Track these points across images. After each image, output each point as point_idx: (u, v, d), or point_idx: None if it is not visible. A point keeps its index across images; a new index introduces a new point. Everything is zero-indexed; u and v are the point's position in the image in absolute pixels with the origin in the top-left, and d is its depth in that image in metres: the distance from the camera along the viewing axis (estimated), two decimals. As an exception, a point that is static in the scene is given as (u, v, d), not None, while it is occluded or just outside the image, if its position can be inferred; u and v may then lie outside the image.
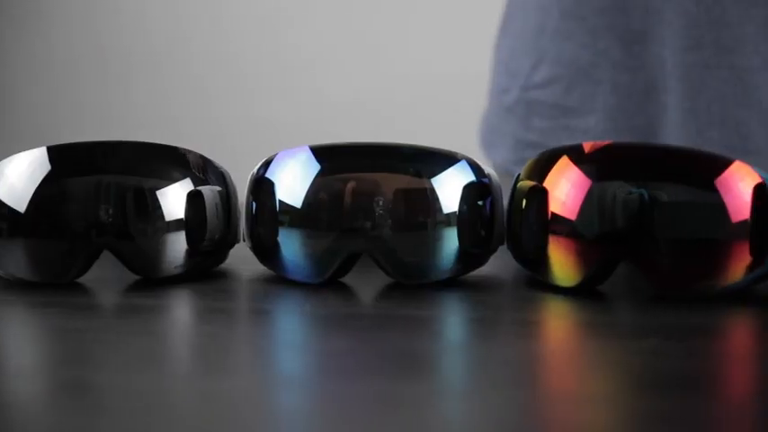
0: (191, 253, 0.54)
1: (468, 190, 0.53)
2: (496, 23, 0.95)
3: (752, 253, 0.50)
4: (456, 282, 0.55)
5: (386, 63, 1.86)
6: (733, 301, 0.50)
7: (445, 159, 0.54)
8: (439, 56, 1.82)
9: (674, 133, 0.82)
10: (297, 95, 1.88)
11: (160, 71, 1.92)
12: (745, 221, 0.50)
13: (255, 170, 0.55)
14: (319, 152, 0.54)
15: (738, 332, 0.48)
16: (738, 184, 0.50)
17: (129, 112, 1.90)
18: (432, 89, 1.82)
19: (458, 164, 0.54)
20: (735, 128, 0.81)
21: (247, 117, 1.89)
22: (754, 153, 0.81)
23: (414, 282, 0.54)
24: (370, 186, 0.53)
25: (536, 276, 0.54)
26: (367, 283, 0.54)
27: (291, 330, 0.48)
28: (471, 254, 0.54)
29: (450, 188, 0.53)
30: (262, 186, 0.54)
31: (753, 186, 0.50)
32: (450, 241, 0.53)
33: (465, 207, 0.53)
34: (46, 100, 1.94)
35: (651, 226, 0.50)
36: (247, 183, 0.55)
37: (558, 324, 0.50)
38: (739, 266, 0.50)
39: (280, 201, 0.54)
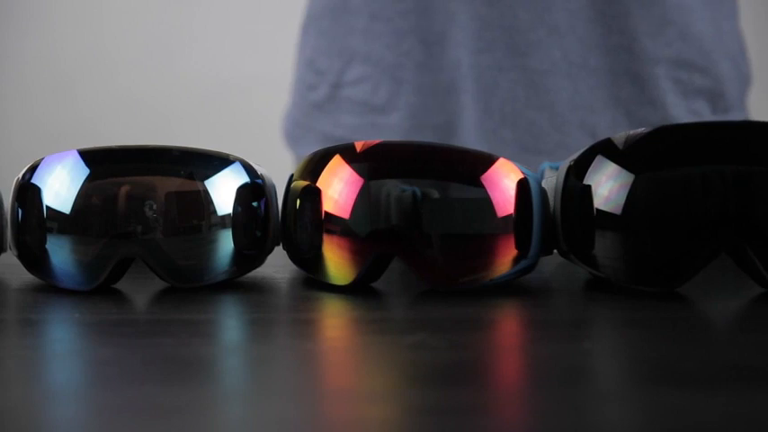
0: (-47, 263, 0.52)
1: (241, 191, 0.53)
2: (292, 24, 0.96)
3: (517, 246, 0.52)
4: (232, 284, 0.55)
5: (175, 63, 1.83)
6: (499, 294, 0.52)
7: (218, 161, 0.54)
8: (231, 56, 1.81)
9: (471, 132, 0.86)
10: (76, 97, 1.83)
11: None
12: (509, 216, 0.51)
13: (21, 175, 0.53)
14: (88, 156, 0.53)
15: (504, 323, 0.50)
16: (503, 180, 0.52)
17: None
18: (228, 88, 1.81)
19: (231, 165, 0.53)
20: (527, 128, 0.85)
21: (20, 119, 1.83)
22: (546, 153, 0.84)
23: (189, 285, 0.53)
24: (141, 190, 0.52)
25: (312, 276, 0.55)
26: (141, 289, 0.54)
27: (60, 340, 0.47)
28: (247, 255, 0.54)
29: (223, 190, 0.53)
30: (27, 192, 0.53)
31: (516, 182, 0.52)
32: (225, 243, 0.53)
33: (239, 209, 0.53)
34: None
35: (421, 222, 0.51)
36: (12, 189, 0.53)
37: (333, 322, 0.50)
38: (505, 260, 0.52)
39: (47, 207, 0.52)
